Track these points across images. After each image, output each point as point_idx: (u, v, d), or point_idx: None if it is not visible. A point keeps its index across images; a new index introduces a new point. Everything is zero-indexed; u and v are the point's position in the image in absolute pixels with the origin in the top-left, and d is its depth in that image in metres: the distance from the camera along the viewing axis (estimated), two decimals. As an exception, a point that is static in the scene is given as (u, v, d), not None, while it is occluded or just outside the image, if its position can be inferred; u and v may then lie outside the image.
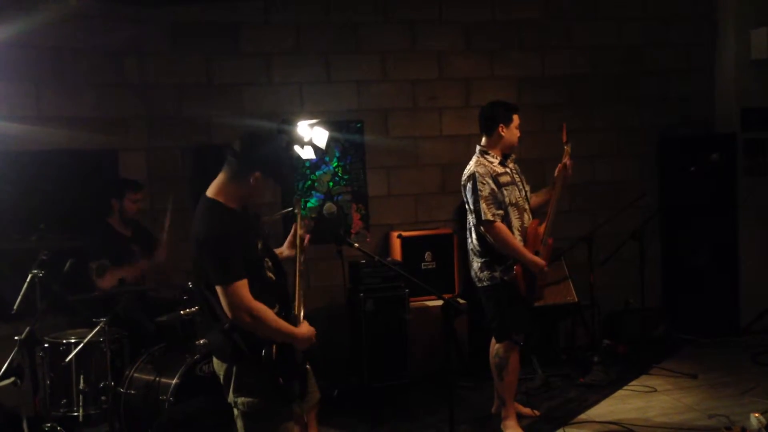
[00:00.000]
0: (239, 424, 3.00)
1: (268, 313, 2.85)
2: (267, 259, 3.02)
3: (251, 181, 2.89)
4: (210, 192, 2.94)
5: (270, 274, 3.00)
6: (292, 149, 2.90)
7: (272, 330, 2.86)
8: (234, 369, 2.94)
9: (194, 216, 2.94)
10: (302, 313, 3.08)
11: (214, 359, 3.06)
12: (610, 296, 6.26)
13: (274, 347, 2.88)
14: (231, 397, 2.98)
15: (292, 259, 3.27)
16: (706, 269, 6.42)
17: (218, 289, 2.81)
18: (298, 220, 3.28)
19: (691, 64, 6.76)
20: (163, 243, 4.97)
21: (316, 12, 5.89)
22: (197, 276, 2.94)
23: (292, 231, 3.31)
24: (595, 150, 6.50)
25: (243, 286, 2.79)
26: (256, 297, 2.83)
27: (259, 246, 3.00)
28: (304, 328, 3.00)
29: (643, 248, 5.77)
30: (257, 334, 2.86)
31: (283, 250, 3.32)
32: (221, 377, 3.01)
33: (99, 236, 4.75)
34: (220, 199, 2.91)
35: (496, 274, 4.37)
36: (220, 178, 2.95)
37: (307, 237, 3.31)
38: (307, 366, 3.23)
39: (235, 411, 3.00)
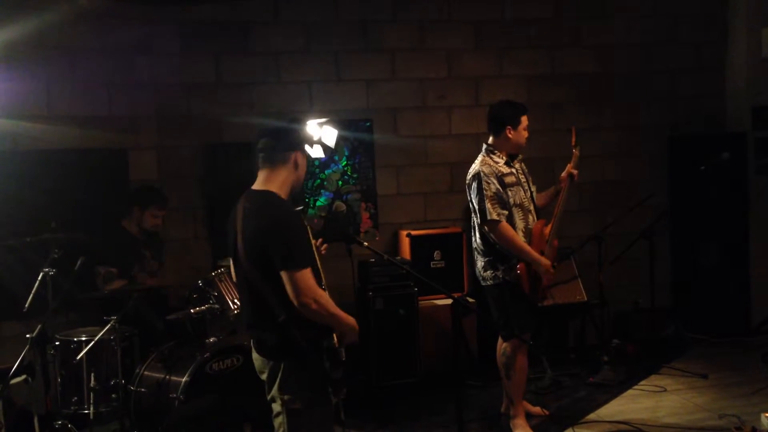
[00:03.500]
0: (281, 420, 2.97)
1: (330, 300, 2.90)
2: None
3: (297, 158, 2.99)
4: (259, 186, 2.99)
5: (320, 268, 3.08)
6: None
7: (333, 317, 2.90)
8: (282, 365, 2.93)
9: (245, 211, 2.93)
10: None
11: (256, 356, 3.04)
12: (619, 296, 6.25)
13: (336, 337, 2.91)
14: (275, 393, 2.96)
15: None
16: (717, 269, 6.39)
17: (284, 275, 2.80)
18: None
19: (702, 62, 6.73)
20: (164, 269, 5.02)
21: (325, 11, 5.90)
22: (252, 268, 2.89)
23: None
24: (604, 149, 6.49)
25: (309, 273, 2.83)
26: None
27: (314, 241, 3.08)
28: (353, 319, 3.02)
29: (652, 247, 5.75)
30: (319, 321, 2.87)
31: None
32: (265, 374, 3.00)
33: (111, 238, 4.76)
34: (272, 190, 2.96)
35: (499, 273, 4.36)
36: (264, 173, 3.00)
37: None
38: None
39: (276, 407, 2.98)
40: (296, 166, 3.02)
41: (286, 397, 2.93)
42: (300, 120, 5.66)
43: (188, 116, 5.66)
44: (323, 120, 5.71)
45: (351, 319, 2.99)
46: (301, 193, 5.48)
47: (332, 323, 2.91)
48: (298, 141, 3.07)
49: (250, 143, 5.60)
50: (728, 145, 6.27)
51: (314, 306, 2.81)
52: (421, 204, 6.18)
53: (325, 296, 2.89)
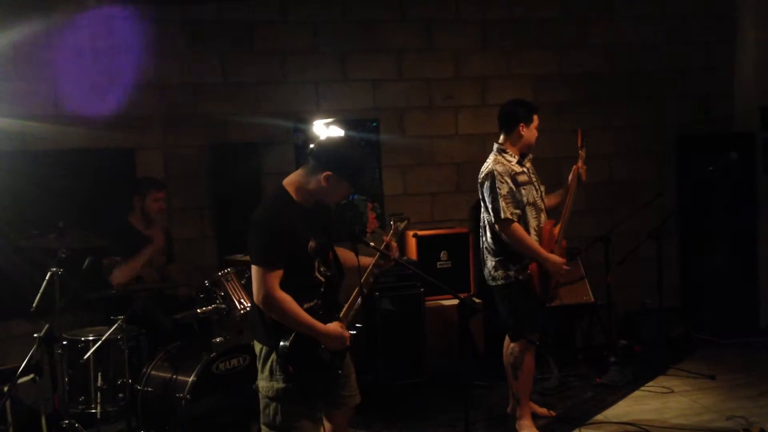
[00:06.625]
0: (261, 405, 3.08)
1: (290, 305, 2.90)
2: (319, 261, 3.05)
3: (322, 180, 2.97)
4: (285, 180, 3.07)
5: (318, 275, 3.04)
6: (367, 158, 2.97)
7: (292, 321, 2.92)
8: (263, 350, 3.03)
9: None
10: (348, 317, 3.11)
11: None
12: (627, 296, 6.23)
13: (292, 337, 2.92)
14: (258, 375, 3.07)
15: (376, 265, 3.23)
16: (725, 269, 6.36)
17: (252, 268, 2.93)
18: (390, 234, 3.24)
19: (710, 62, 6.70)
20: (159, 227, 5.00)
21: (332, 10, 5.90)
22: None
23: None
24: (612, 149, 6.47)
25: (274, 276, 2.88)
26: (294, 291, 2.90)
27: (312, 245, 3.02)
28: (332, 327, 3.00)
29: (660, 248, 5.72)
30: (281, 322, 2.93)
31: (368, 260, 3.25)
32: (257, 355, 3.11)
33: (117, 233, 4.78)
34: (289, 188, 3.02)
35: (511, 273, 4.35)
36: (299, 170, 3.07)
37: (394, 245, 3.24)
38: (351, 369, 3.24)
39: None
40: (321, 183, 2.97)
41: (261, 382, 3.03)
42: (311, 120, 5.68)
43: (195, 116, 5.67)
44: (330, 120, 5.71)
45: (320, 326, 2.96)
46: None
47: (292, 326, 2.93)
48: (333, 164, 2.96)
49: (256, 143, 5.71)
50: (736, 145, 6.23)
51: (267, 305, 2.89)
52: (427, 204, 6.17)
53: (285, 299, 2.88)
